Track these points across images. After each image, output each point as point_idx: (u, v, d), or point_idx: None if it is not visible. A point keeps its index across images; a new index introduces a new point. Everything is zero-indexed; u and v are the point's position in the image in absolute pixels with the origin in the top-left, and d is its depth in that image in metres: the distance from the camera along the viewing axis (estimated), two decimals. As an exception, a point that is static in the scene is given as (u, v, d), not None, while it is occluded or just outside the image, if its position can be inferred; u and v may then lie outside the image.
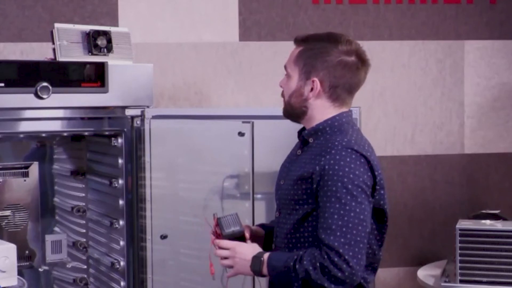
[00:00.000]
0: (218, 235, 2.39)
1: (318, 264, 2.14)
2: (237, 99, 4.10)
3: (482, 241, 3.37)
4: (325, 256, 2.13)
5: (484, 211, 3.79)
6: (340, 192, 2.16)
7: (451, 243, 3.46)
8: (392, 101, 4.31)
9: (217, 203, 3.18)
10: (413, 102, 4.33)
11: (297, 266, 2.17)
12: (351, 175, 2.17)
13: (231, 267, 2.34)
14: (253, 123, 2.93)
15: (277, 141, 3.15)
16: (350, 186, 2.16)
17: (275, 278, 2.26)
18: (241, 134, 2.94)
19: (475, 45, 4.36)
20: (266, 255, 2.26)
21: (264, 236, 2.51)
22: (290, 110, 2.38)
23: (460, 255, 3.39)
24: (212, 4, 4.09)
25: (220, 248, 2.35)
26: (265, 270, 2.25)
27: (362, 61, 2.32)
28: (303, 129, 2.39)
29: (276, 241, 2.40)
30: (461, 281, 3.40)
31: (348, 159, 2.18)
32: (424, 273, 3.87)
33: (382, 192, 2.27)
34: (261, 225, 2.58)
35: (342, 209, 2.15)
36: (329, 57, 2.29)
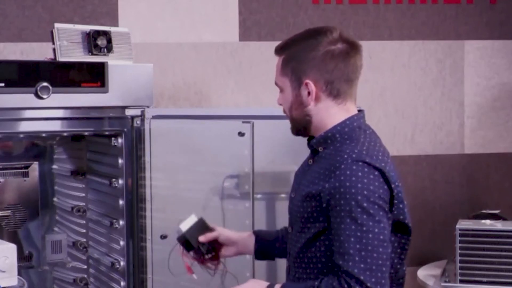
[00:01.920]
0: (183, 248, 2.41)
1: None
2: (237, 99, 4.10)
3: (482, 241, 3.37)
4: (345, 286, 1.94)
5: (484, 211, 3.79)
6: (355, 212, 1.95)
7: (451, 243, 3.46)
8: (392, 101, 4.31)
9: (217, 203, 3.18)
10: (413, 102, 4.33)
11: None
12: (366, 192, 1.96)
13: None
14: (253, 123, 2.93)
15: (277, 141, 3.15)
16: (365, 204, 1.95)
17: None
18: (241, 134, 2.94)
19: (475, 45, 4.36)
20: (278, 286, 2.09)
21: (256, 243, 2.43)
22: (296, 124, 2.19)
23: (460, 255, 3.39)
24: (212, 4, 4.09)
25: None
26: None
27: (350, 46, 2.14)
28: (312, 137, 2.20)
29: (289, 260, 2.24)
30: (461, 281, 3.40)
31: (360, 174, 1.97)
32: (424, 273, 3.87)
33: (401, 206, 2.07)
34: (257, 232, 2.49)
35: (359, 230, 1.94)
36: (313, 53, 2.09)
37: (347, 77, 2.13)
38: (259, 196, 3.15)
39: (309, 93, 2.12)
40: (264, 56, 4.12)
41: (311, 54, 2.10)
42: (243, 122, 2.96)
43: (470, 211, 4.04)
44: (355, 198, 1.96)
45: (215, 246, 2.45)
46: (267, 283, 2.14)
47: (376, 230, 1.96)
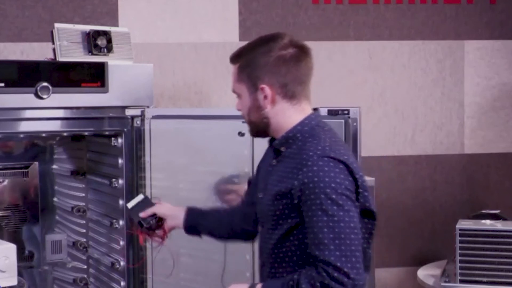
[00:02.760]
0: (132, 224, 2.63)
1: (318, 284, 2.05)
2: (236, 99, 4.09)
3: (482, 241, 3.37)
4: (324, 274, 2.04)
5: (484, 211, 3.79)
6: (325, 204, 2.07)
7: (451, 243, 3.46)
8: (392, 101, 4.31)
9: (217, 203, 3.18)
10: (413, 102, 4.33)
11: None
12: (333, 184, 2.08)
13: None
14: (253, 123, 2.92)
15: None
16: (334, 196, 2.08)
17: None
18: (241, 134, 2.94)
19: (475, 45, 4.36)
20: (259, 287, 2.18)
21: (186, 215, 2.62)
22: (255, 128, 2.32)
23: (460, 255, 3.39)
24: (212, 4, 4.09)
25: None
26: None
27: (301, 50, 2.25)
28: (273, 138, 2.31)
29: (262, 256, 2.33)
30: (461, 281, 3.40)
31: (326, 169, 2.10)
32: (424, 273, 3.88)
33: (366, 194, 2.19)
34: (190, 206, 2.67)
35: (331, 221, 2.07)
36: (266, 59, 2.22)
37: (300, 79, 2.25)
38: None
39: (265, 97, 2.24)
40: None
41: (264, 60, 2.23)
42: (243, 122, 2.91)
43: (470, 211, 4.04)
44: (324, 192, 2.08)
45: (161, 221, 2.67)
46: (247, 284, 2.23)
47: (347, 219, 2.08)
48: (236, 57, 2.31)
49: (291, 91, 2.24)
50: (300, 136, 2.23)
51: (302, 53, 2.25)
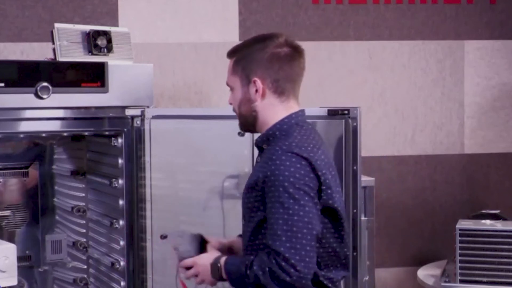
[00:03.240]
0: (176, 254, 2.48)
1: (267, 269, 2.16)
2: (237, 99, 4.10)
3: (482, 241, 3.37)
4: (273, 261, 2.15)
5: (484, 211, 3.79)
6: (282, 197, 2.16)
7: (451, 243, 3.46)
8: (392, 101, 4.31)
9: (217, 203, 3.18)
10: (413, 102, 4.33)
11: (248, 272, 2.20)
12: (291, 179, 2.17)
13: (202, 282, 2.39)
14: (253, 123, 2.92)
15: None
16: (291, 190, 2.16)
17: (232, 282, 2.30)
18: (241, 134, 2.94)
19: (475, 45, 4.36)
20: (222, 260, 2.31)
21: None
22: (244, 120, 2.39)
23: (460, 255, 3.39)
24: (212, 4, 4.09)
25: (186, 268, 2.41)
26: (225, 277, 2.30)
27: (295, 50, 2.34)
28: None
29: (243, 249, 2.42)
30: (461, 281, 3.40)
31: (288, 163, 2.18)
32: (424, 273, 3.88)
33: (329, 191, 2.25)
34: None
35: (286, 213, 2.16)
36: (262, 55, 2.31)
37: (291, 77, 2.35)
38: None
39: (256, 90, 2.33)
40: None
41: (259, 55, 2.32)
42: (243, 122, 2.96)
43: (470, 211, 4.05)
44: (283, 185, 2.17)
45: None
46: (216, 255, 2.36)
47: (301, 213, 2.17)
48: (233, 52, 2.40)
49: (281, 88, 2.33)
50: (279, 134, 2.31)
51: (296, 53, 2.35)
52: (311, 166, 2.21)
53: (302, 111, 2.39)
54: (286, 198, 2.16)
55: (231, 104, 2.43)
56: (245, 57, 2.35)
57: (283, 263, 2.13)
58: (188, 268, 2.41)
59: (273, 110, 2.34)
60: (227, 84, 2.42)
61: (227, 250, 2.52)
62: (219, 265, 2.31)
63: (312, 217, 2.18)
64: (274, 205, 2.18)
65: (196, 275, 2.38)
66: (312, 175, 2.21)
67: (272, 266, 2.15)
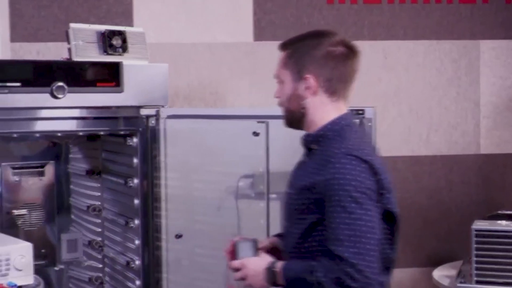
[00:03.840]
0: (232, 257, 2.37)
1: (332, 276, 2.08)
2: (251, 99, 4.10)
3: (498, 242, 3.36)
4: (338, 267, 2.08)
5: (500, 212, 3.77)
6: (344, 201, 2.10)
7: (467, 244, 3.44)
8: (407, 101, 4.30)
9: (232, 203, 3.18)
10: (428, 102, 4.31)
11: (311, 279, 2.12)
12: (354, 182, 2.11)
13: (249, 286, 2.30)
14: (267, 123, 2.93)
15: (292, 141, 3.14)
16: (354, 194, 2.10)
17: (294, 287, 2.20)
18: (256, 134, 2.94)
19: (491, 44, 4.34)
20: (279, 266, 2.23)
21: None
22: (290, 116, 2.35)
23: (476, 255, 3.37)
24: (226, 4, 4.10)
25: (234, 269, 2.32)
26: (280, 281, 2.21)
27: (350, 50, 2.29)
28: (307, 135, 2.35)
29: (286, 250, 2.36)
30: (477, 282, 3.39)
31: (348, 166, 2.13)
32: (440, 274, 3.86)
33: (388, 195, 2.21)
34: (279, 235, 2.52)
35: (349, 218, 2.10)
36: (317, 52, 2.26)
37: (344, 77, 2.29)
38: (274, 196, 3.14)
39: (307, 88, 2.27)
40: (279, 56, 4.12)
41: (314, 52, 2.27)
42: (258, 122, 2.96)
43: (486, 211, 4.02)
44: (344, 188, 2.11)
45: None
46: (270, 260, 2.27)
47: (365, 217, 2.11)
48: (286, 44, 2.35)
49: (334, 87, 2.27)
50: (330, 134, 2.25)
51: (351, 53, 2.30)
52: (371, 170, 2.16)
53: (351, 112, 2.36)
54: (348, 202, 2.10)
55: (277, 97, 2.38)
56: (299, 51, 2.29)
57: (349, 269, 2.06)
58: (236, 270, 2.32)
59: (323, 110, 2.28)
60: (276, 77, 2.37)
61: (271, 250, 2.45)
62: (275, 270, 2.22)
63: (375, 221, 2.13)
64: (335, 209, 2.11)
65: (243, 278, 2.29)
66: (372, 178, 2.15)
67: (337, 273, 2.07)
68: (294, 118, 2.33)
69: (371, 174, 2.15)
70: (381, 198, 2.18)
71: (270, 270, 2.23)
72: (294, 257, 2.28)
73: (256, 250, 2.36)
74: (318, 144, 2.28)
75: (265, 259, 2.29)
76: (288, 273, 2.20)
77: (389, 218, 2.24)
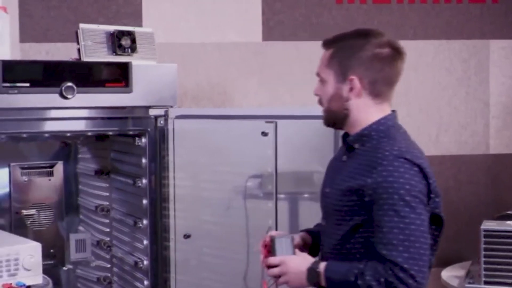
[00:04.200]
0: (268, 252, 2.31)
1: (382, 280, 2.04)
2: (260, 99, 4.10)
3: (507, 242, 3.34)
4: (390, 272, 2.04)
5: (509, 212, 3.75)
6: (397, 205, 2.06)
7: (476, 244, 3.43)
8: (416, 101, 4.29)
9: (240, 203, 3.18)
10: (437, 102, 4.30)
11: (359, 282, 2.07)
12: (407, 186, 2.08)
13: (285, 283, 2.24)
14: (276, 123, 2.93)
15: (301, 141, 3.15)
16: (407, 198, 2.07)
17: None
18: (264, 134, 2.94)
19: (500, 44, 4.33)
20: (322, 266, 2.17)
21: (312, 242, 2.44)
22: (332, 116, 2.28)
23: (485, 256, 3.36)
24: (235, 4, 4.10)
25: (270, 266, 2.26)
26: (322, 281, 2.16)
27: (397, 51, 2.25)
28: (347, 134, 2.30)
29: (323, 250, 2.33)
30: (486, 282, 3.37)
31: (401, 169, 2.09)
32: (448, 274, 3.85)
33: (437, 200, 2.18)
34: (307, 231, 2.49)
35: (402, 222, 2.06)
36: (363, 53, 2.20)
37: (390, 80, 2.26)
38: (282, 196, 3.14)
39: (351, 89, 2.22)
40: (288, 56, 4.12)
41: (360, 53, 2.21)
42: (266, 122, 2.96)
43: (495, 211, 4.01)
44: (398, 192, 2.07)
45: None
46: (312, 259, 2.22)
47: (418, 222, 2.07)
48: (331, 43, 2.29)
49: (378, 90, 2.24)
50: (375, 135, 2.21)
51: (398, 54, 2.25)
52: (422, 173, 2.13)
53: (395, 112, 2.30)
54: (401, 206, 2.06)
55: (317, 95, 2.31)
56: (344, 51, 2.23)
57: (401, 274, 2.03)
58: (272, 266, 2.25)
59: (367, 111, 2.23)
60: (318, 75, 2.29)
61: (303, 246, 2.42)
62: (318, 270, 2.16)
63: (426, 226, 2.11)
64: (387, 213, 2.07)
65: (280, 275, 2.23)
66: (424, 182, 2.13)
67: (388, 277, 2.04)
68: (336, 118, 2.27)
69: (422, 177, 2.13)
70: (429, 202, 2.15)
71: (313, 270, 2.18)
72: (333, 258, 2.24)
73: (293, 248, 2.30)
74: (361, 143, 2.23)
75: (307, 259, 2.24)
76: (332, 274, 2.15)
77: (435, 222, 2.21)
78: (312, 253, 2.41)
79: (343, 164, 2.28)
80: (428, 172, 2.16)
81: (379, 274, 2.05)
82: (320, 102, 2.30)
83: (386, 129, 2.22)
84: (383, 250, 2.07)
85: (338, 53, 2.25)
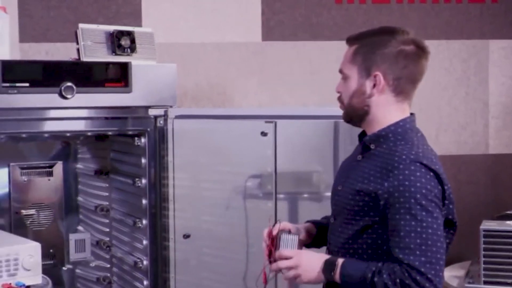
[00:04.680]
0: (271, 247, 2.29)
1: (398, 281, 2.04)
2: (260, 99, 4.10)
3: (507, 242, 3.34)
4: (406, 274, 2.04)
5: (508, 212, 3.75)
6: (414, 209, 2.06)
7: (475, 244, 3.43)
8: (416, 101, 4.23)
9: (240, 203, 3.18)
10: (437, 102, 4.30)
11: (375, 279, 2.06)
12: (424, 190, 2.08)
13: (295, 277, 2.22)
14: (276, 123, 2.93)
15: (300, 141, 3.15)
16: (424, 202, 2.07)
17: (348, 285, 2.15)
18: (264, 134, 2.94)
19: (500, 44, 4.33)
20: (340, 261, 2.16)
21: (316, 234, 2.44)
22: (352, 113, 2.26)
23: (484, 256, 3.36)
24: (235, 4, 4.10)
25: (281, 258, 2.23)
26: (337, 276, 2.15)
27: (421, 49, 2.23)
28: (363, 133, 2.31)
29: (330, 248, 2.33)
30: (485, 282, 3.37)
31: (418, 174, 2.09)
32: (448, 274, 3.85)
33: (451, 206, 2.19)
34: (312, 222, 2.48)
35: (419, 226, 2.06)
36: (387, 49, 2.19)
37: (414, 78, 2.26)
38: (281, 196, 3.14)
39: (375, 85, 2.20)
40: (287, 56, 4.12)
41: (385, 48, 2.20)
42: (266, 122, 2.96)
43: (494, 211, 4.01)
44: (415, 196, 2.07)
45: None
46: (327, 256, 2.21)
47: (435, 226, 2.08)
48: (355, 39, 2.27)
49: (401, 87, 2.23)
50: (392, 136, 2.21)
51: (422, 52, 2.24)
52: (438, 179, 2.14)
53: (414, 115, 2.30)
54: (418, 210, 2.06)
55: (338, 92, 2.29)
56: (369, 47, 2.21)
57: (418, 277, 2.03)
58: (282, 258, 2.23)
59: (387, 109, 2.22)
60: (341, 71, 2.27)
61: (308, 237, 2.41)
62: (336, 264, 2.15)
63: (442, 230, 2.12)
64: (404, 217, 2.07)
65: (293, 268, 2.20)
66: (439, 187, 2.14)
67: (405, 279, 2.04)
68: (356, 114, 2.26)
69: (438, 183, 2.13)
70: (444, 208, 2.16)
71: (330, 263, 2.16)
72: (340, 256, 2.22)
73: (299, 246, 2.30)
74: (377, 143, 2.22)
75: (321, 254, 2.23)
76: (348, 271, 2.14)
77: (447, 226, 2.21)
78: (315, 245, 2.43)
79: (357, 164, 2.27)
80: (444, 178, 2.17)
81: (396, 274, 2.05)
82: (340, 99, 2.29)
83: (404, 132, 2.22)
84: (400, 254, 2.06)
85: (362, 49, 2.23)
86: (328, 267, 2.16)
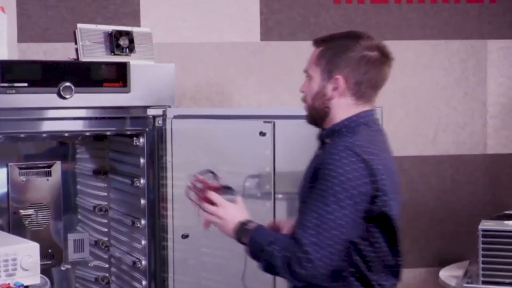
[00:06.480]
0: (209, 187, 2.41)
1: (286, 254, 2.12)
2: (258, 99, 4.10)
3: (505, 242, 3.35)
4: (293, 249, 2.10)
5: (507, 212, 3.76)
6: (326, 192, 2.10)
7: (474, 244, 3.44)
8: (414, 101, 4.29)
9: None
10: (435, 102, 4.30)
11: (267, 248, 2.16)
12: (342, 177, 2.10)
13: (215, 224, 2.35)
14: (274, 122, 2.93)
15: (299, 141, 3.14)
16: (338, 189, 2.09)
17: (250, 250, 2.24)
18: (262, 133, 2.94)
19: (498, 44, 4.33)
20: (252, 225, 2.26)
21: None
22: (314, 113, 2.32)
23: (483, 256, 3.36)
24: (233, 4, 4.10)
25: (209, 202, 2.36)
26: (245, 239, 2.25)
27: (385, 56, 2.28)
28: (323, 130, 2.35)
29: None
30: (484, 282, 3.38)
31: (345, 161, 2.11)
32: (446, 274, 3.85)
33: (384, 198, 2.16)
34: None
35: (323, 209, 2.10)
36: (351, 53, 2.23)
37: (375, 83, 2.29)
38: (280, 196, 3.14)
39: (335, 88, 2.25)
40: (286, 56, 4.12)
41: (348, 53, 2.24)
42: (264, 121, 2.96)
43: (493, 211, 4.01)
44: (331, 181, 2.10)
45: None
46: (248, 217, 2.32)
47: (337, 214, 2.10)
48: (321, 41, 2.32)
49: (362, 91, 2.26)
50: (345, 130, 2.25)
51: (386, 59, 2.29)
52: (369, 170, 2.13)
53: (372, 111, 2.32)
54: (330, 195, 2.09)
55: (303, 92, 2.35)
56: (334, 50, 2.26)
57: (301, 255, 2.09)
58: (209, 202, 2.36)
59: (346, 111, 2.26)
60: (305, 72, 2.34)
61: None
62: (247, 227, 2.26)
63: (348, 221, 2.11)
64: (315, 196, 2.12)
65: (214, 215, 2.34)
66: (367, 180, 2.13)
67: (289, 253, 2.11)
68: (318, 116, 2.31)
69: (366, 174, 2.12)
70: (376, 201, 2.14)
71: (243, 226, 2.27)
72: None
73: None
74: (331, 138, 2.27)
75: (245, 214, 2.33)
76: (255, 236, 2.23)
77: (383, 222, 2.19)
78: None
79: (314, 157, 2.33)
80: (379, 169, 2.15)
81: (285, 248, 2.12)
82: (305, 99, 2.35)
83: (356, 125, 2.25)
84: (297, 228, 2.14)
85: (327, 52, 2.28)
86: (240, 229, 2.27)
